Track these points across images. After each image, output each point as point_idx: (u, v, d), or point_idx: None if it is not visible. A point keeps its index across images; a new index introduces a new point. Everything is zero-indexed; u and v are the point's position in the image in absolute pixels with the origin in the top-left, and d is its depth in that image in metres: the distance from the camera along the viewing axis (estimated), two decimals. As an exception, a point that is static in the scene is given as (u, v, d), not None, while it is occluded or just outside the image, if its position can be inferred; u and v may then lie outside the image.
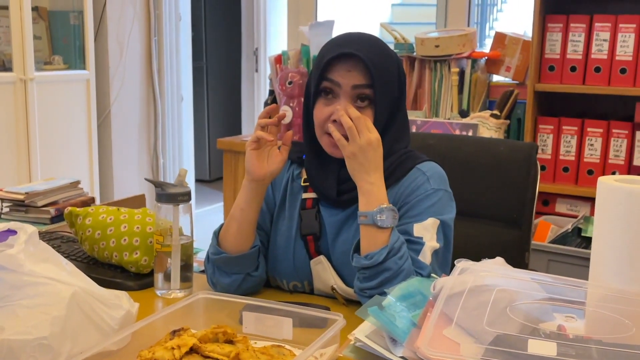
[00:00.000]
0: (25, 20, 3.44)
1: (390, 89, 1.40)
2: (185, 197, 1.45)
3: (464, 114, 2.87)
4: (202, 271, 1.53)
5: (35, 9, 3.73)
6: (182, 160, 4.60)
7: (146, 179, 1.52)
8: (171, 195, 1.43)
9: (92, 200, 2.10)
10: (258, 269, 1.46)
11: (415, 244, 1.37)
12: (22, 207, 1.97)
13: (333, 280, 1.45)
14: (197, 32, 5.95)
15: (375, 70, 1.35)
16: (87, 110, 3.84)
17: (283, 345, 1.20)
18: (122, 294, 1.29)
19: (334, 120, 1.36)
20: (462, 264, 1.21)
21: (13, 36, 3.42)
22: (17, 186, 2.04)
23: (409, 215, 1.41)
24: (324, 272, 1.47)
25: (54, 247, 1.66)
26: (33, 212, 1.96)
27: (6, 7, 3.43)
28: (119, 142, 4.13)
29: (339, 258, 1.45)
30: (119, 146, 4.13)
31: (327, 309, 1.33)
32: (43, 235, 1.78)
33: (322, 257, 1.47)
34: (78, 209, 1.60)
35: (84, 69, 3.82)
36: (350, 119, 1.32)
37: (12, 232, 1.26)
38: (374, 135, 1.34)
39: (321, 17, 3.88)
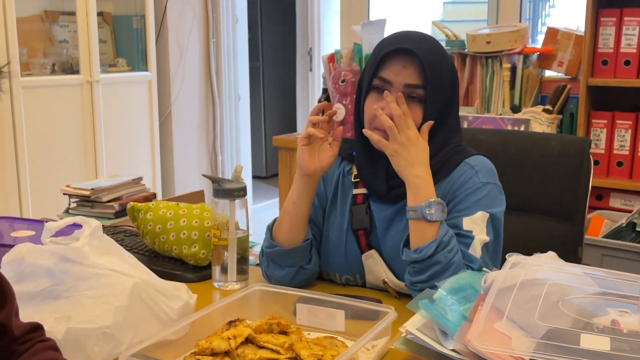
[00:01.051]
0: (91, 25, 3.52)
1: (442, 89, 1.38)
2: (241, 192, 1.46)
3: (515, 109, 2.80)
4: (258, 264, 1.54)
5: (100, 14, 3.81)
6: (239, 157, 4.64)
7: (204, 175, 1.54)
8: (227, 191, 1.45)
9: (154, 195, 2.13)
10: (311, 262, 1.46)
11: (465, 238, 1.35)
12: (88, 202, 2.01)
13: (384, 273, 1.44)
14: (253, 33, 6.00)
15: (429, 69, 1.34)
16: (149, 110, 3.91)
17: (335, 336, 1.20)
18: (182, 286, 1.30)
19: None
20: (513, 257, 1.19)
21: (80, 40, 3.51)
22: (84, 182, 2.08)
23: (458, 209, 1.38)
24: (375, 266, 1.46)
25: (117, 241, 1.70)
26: (98, 207, 2.00)
27: (73, 13, 3.51)
28: (179, 140, 4.20)
29: (390, 252, 1.44)
30: (179, 144, 4.19)
31: (379, 301, 1.32)
32: (107, 230, 1.82)
33: (373, 252, 1.46)
34: (140, 204, 1.62)
35: (146, 70, 3.89)
36: (392, 117, 1.32)
37: (77, 226, 1.29)
38: (412, 132, 1.33)
39: (373, 16, 3.86)
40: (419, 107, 1.36)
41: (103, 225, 1.89)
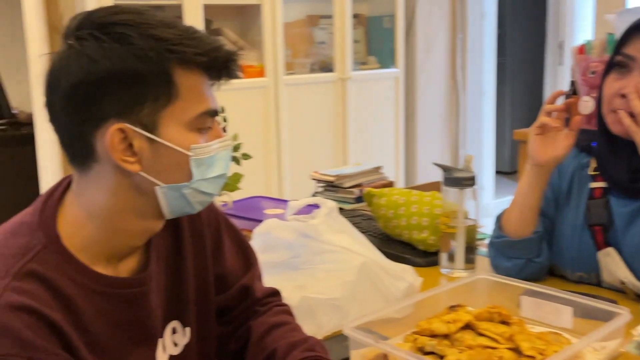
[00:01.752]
0: (347, 27, 3.69)
1: None
2: (469, 181, 1.42)
3: None
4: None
5: (355, 16, 3.97)
6: (481, 151, 4.53)
7: (434, 164, 1.53)
8: (457, 179, 1.42)
9: (391, 184, 2.17)
10: (540, 255, 1.37)
11: None
12: (332, 187, 2.11)
13: (623, 273, 1.31)
14: (499, 29, 5.80)
15: None
16: (396, 104, 3.98)
17: (561, 333, 1.12)
18: (408, 268, 1.32)
19: (622, 96, 1.22)
20: None
21: (335, 41, 3.69)
22: (331, 169, 2.19)
23: None
24: (612, 265, 1.33)
25: (354, 224, 1.76)
26: (341, 192, 2.09)
27: (330, 16, 3.71)
28: (423, 134, 4.22)
29: (630, 251, 1.30)
30: (423, 137, 4.22)
31: (614, 302, 1.20)
32: (347, 213, 1.90)
33: (610, 249, 1.33)
34: (375, 190, 1.67)
35: (394, 67, 3.97)
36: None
37: (316, 206, 1.36)
38: None
39: (632, 4, 3.51)
40: None
41: (343, 209, 1.99)
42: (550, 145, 1.32)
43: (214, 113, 0.86)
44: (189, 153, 0.83)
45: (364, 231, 1.71)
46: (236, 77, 0.88)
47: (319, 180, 2.16)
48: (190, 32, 0.82)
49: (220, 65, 0.85)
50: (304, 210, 1.45)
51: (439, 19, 4.18)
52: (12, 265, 0.78)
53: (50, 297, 0.79)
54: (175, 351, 0.98)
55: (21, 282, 0.77)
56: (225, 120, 1.50)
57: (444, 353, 1.02)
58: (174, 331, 0.98)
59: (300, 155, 3.57)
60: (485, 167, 4.61)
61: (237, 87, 3.37)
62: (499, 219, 1.41)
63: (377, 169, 2.22)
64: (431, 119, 4.25)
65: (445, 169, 1.45)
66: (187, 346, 0.99)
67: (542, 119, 1.31)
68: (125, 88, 0.79)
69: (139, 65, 0.78)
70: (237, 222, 1.62)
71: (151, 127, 0.81)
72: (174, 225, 0.98)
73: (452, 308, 1.14)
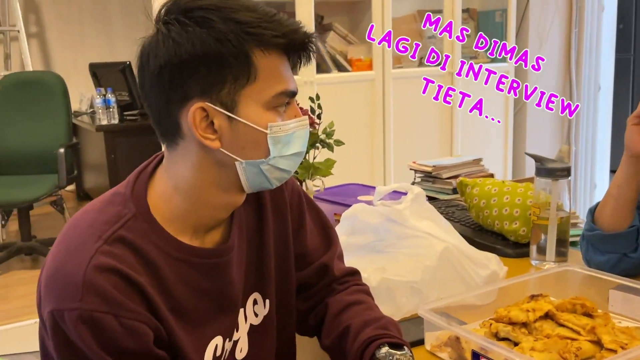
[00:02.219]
0: (456, 21, 3.61)
1: None
2: (563, 172, 1.36)
3: None
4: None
5: (466, 10, 3.88)
6: (595, 149, 4.29)
7: (526, 153, 1.47)
8: (549, 170, 1.36)
9: (491, 176, 2.10)
10: (637, 250, 1.28)
11: None
12: (430, 177, 2.08)
13: None
14: (625, 23, 5.45)
15: None
16: (505, 98, 3.86)
17: (649, 329, 1.05)
18: (493, 257, 1.28)
19: None
20: None
21: (445, 35, 3.63)
22: (429, 160, 2.16)
23: None
24: None
25: (449, 213, 1.74)
26: (438, 182, 2.05)
27: (441, 11, 3.64)
28: (532, 129, 4.05)
29: None
30: (532, 133, 4.05)
31: None
32: (443, 203, 1.87)
33: None
34: (468, 180, 1.63)
35: (505, 62, 3.84)
36: None
37: (404, 193, 1.35)
38: None
39: None
40: None
41: (439, 199, 1.96)
42: None
43: (291, 94, 0.88)
44: (266, 131, 0.85)
45: (457, 221, 1.68)
46: (311, 58, 0.89)
47: (417, 171, 2.13)
48: (270, 15, 0.84)
49: (298, 47, 0.86)
50: (394, 197, 1.45)
51: (553, 13, 3.99)
52: (104, 231, 0.83)
53: (137, 262, 0.84)
54: (256, 321, 1.01)
55: (111, 247, 0.82)
56: (320, 107, 1.52)
57: (518, 340, 0.98)
58: (255, 302, 1.01)
59: (405, 146, 3.56)
60: (599, 165, 4.36)
61: (346, 80, 3.40)
62: (592, 211, 1.34)
63: (477, 161, 2.16)
64: (541, 113, 4.07)
65: (537, 159, 1.39)
66: (266, 317, 1.02)
67: None
68: (207, 69, 0.82)
69: (219, 47, 0.81)
70: (329, 207, 1.66)
71: (231, 106, 0.84)
72: (257, 204, 1.01)
73: (534, 297, 1.10)
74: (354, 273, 1.12)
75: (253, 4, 0.84)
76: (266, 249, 1.01)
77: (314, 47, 0.87)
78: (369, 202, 1.38)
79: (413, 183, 2.15)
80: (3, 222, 4.29)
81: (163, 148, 0.91)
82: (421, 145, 3.63)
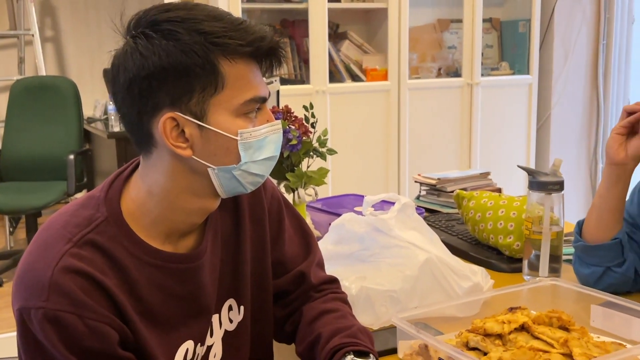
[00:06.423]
0: (476, 31, 3.67)
1: None
2: (556, 186, 1.40)
3: None
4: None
5: (489, 20, 3.93)
6: (623, 166, 4.28)
7: (518, 166, 1.52)
8: (542, 184, 1.40)
9: (499, 191, 2.14)
10: (623, 265, 1.32)
11: None
12: (435, 191, 2.12)
13: None
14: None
15: None
16: (528, 112, 3.89)
17: (626, 344, 1.09)
18: (480, 270, 1.33)
19: None
20: None
21: (464, 46, 3.68)
22: (435, 172, 2.21)
23: None
24: None
25: (448, 227, 1.79)
26: (443, 196, 2.10)
27: (460, 20, 3.70)
28: (557, 144, 4.07)
29: None
30: (556, 148, 4.07)
31: None
32: (443, 216, 1.92)
33: None
34: (465, 192, 1.68)
35: (528, 74, 3.87)
36: None
37: (392, 203, 1.41)
38: None
39: None
40: None
41: (442, 212, 2.01)
42: (628, 144, 1.27)
43: (261, 100, 0.93)
44: (237, 138, 0.91)
45: (454, 234, 1.73)
46: (282, 63, 0.94)
47: (422, 183, 2.18)
48: (236, 23, 0.89)
49: (266, 54, 0.92)
50: (385, 207, 1.50)
51: (580, 24, 4.01)
52: (75, 233, 0.90)
53: (106, 265, 0.90)
54: (231, 327, 1.07)
55: (80, 249, 0.88)
56: (313, 116, 1.58)
57: (487, 350, 1.03)
58: (230, 308, 1.06)
59: (422, 158, 3.60)
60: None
61: (360, 90, 3.47)
62: (579, 223, 1.38)
63: (485, 175, 2.20)
64: (567, 128, 4.09)
65: (530, 172, 1.43)
66: (240, 323, 1.07)
67: (628, 119, 1.27)
68: (174, 80, 0.88)
69: (186, 59, 0.87)
70: (325, 217, 1.72)
71: (200, 115, 0.89)
72: (234, 210, 1.07)
73: (512, 310, 1.14)
74: (333, 281, 1.17)
75: (219, 13, 0.90)
76: (242, 254, 1.06)
77: (283, 53, 0.93)
78: (359, 212, 1.43)
79: (418, 196, 2.20)
80: (11, 229, 4.41)
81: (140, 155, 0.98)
82: (439, 158, 3.67)
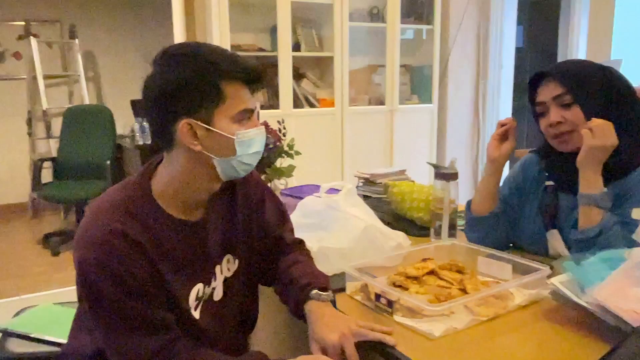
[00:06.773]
0: (395, 73, 3.71)
1: (591, 93, 1.17)
2: (453, 176, 1.42)
3: None
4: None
5: (403, 65, 3.96)
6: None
7: (428, 163, 1.54)
8: (443, 174, 1.43)
9: (413, 181, 2.15)
10: (497, 230, 1.35)
11: (631, 225, 1.12)
12: (368, 182, 2.13)
13: (560, 248, 1.28)
14: (516, 77, 5.57)
15: (568, 79, 1.15)
16: (431, 128, 3.95)
17: (501, 282, 1.11)
18: (401, 234, 1.34)
19: (551, 125, 1.21)
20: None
21: (387, 83, 3.71)
22: (368, 170, 2.21)
23: (631, 202, 1.15)
24: (555, 242, 1.30)
25: (378, 206, 1.79)
26: (374, 186, 2.10)
27: (384, 66, 3.72)
28: (451, 149, 4.13)
29: (567, 231, 1.27)
30: (451, 151, 4.11)
31: (552, 267, 1.17)
32: (374, 200, 1.92)
33: (555, 230, 1.30)
34: (391, 182, 1.69)
35: (431, 103, 3.93)
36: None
37: (339, 190, 1.40)
38: (615, 140, 1.13)
39: (616, 54, 3.30)
40: (577, 108, 1.18)
41: (373, 197, 2.01)
42: (501, 147, 1.31)
43: (251, 111, 0.93)
44: (234, 137, 0.91)
45: (382, 212, 1.74)
46: (264, 86, 0.94)
47: (360, 177, 2.19)
48: (233, 57, 0.90)
49: (253, 79, 0.92)
50: (335, 191, 1.51)
51: (466, 68, 4.10)
52: (118, 206, 0.89)
53: (140, 228, 0.89)
54: (229, 274, 1.06)
55: (122, 217, 0.88)
56: (284, 128, 1.57)
57: (407, 286, 1.05)
58: (228, 261, 1.06)
59: (357, 160, 3.62)
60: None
61: (316, 113, 3.46)
62: (468, 202, 1.41)
63: (402, 171, 2.21)
64: (458, 139, 4.17)
65: (435, 166, 1.46)
66: (236, 271, 1.06)
67: (501, 129, 1.31)
68: (190, 96, 0.87)
69: (198, 81, 0.87)
70: (294, 200, 1.71)
71: (208, 121, 0.89)
72: (230, 195, 1.06)
73: (424, 260, 1.17)
74: (301, 242, 1.17)
75: (221, 49, 0.90)
76: (235, 223, 1.06)
77: (265, 78, 0.94)
78: (318, 196, 1.43)
79: (357, 187, 2.21)
80: (65, 214, 4.29)
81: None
82: (370, 160, 3.69)
